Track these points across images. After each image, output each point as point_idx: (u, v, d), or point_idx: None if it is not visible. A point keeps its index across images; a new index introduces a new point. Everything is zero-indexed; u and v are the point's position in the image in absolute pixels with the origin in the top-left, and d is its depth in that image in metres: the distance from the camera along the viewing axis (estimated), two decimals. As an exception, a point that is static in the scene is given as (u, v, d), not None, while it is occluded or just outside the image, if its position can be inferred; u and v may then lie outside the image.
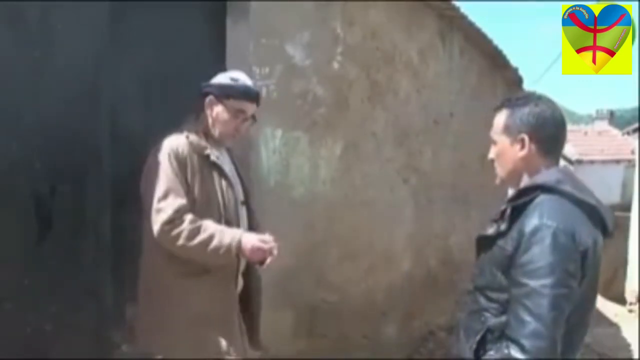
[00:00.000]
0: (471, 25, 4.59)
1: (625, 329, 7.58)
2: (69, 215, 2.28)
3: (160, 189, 1.88)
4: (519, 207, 1.51)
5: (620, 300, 9.73)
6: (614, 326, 7.90)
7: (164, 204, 1.86)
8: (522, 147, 1.55)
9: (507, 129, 1.58)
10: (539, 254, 1.40)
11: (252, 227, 2.12)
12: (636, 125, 15.59)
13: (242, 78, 2.07)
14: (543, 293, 1.39)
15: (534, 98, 1.58)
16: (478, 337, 1.53)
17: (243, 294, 2.10)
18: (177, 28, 2.60)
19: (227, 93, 2.01)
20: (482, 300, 1.57)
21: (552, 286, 1.39)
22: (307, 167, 3.16)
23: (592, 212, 1.50)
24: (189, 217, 1.86)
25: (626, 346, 6.68)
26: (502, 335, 1.47)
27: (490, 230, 1.57)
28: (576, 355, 1.55)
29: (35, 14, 2.13)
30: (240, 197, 2.10)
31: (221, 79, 2.06)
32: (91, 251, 2.36)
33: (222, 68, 2.50)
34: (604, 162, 15.63)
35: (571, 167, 15.21)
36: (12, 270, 2.13)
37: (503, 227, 1.53)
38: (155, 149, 1.95)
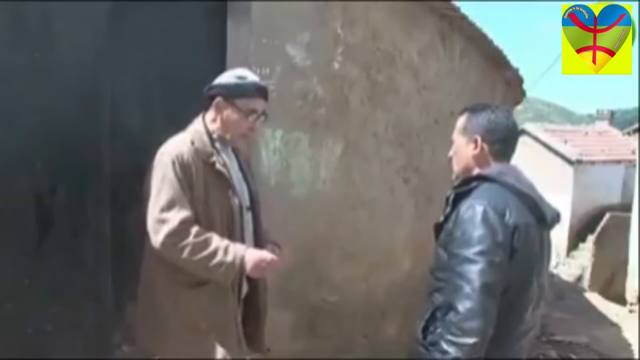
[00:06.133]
0: (472, 25, 4.58)
1: (625, 329, 7.58)
2: (69, 215, 2.29)
3: (163, 198, 1.82)
4: (462, 193, 1.68)
5: (621, 300, 9.73)
6: (615, 326, 7.90)
7: (169, 214, 1.81)
8: (475, 146, 1.73)
9: (465, 130, 1.77)
10: (471, 227, 1.56)
11: (257, 233, 2.09)
12: (636, 125, 15.60)
13: (248, 75, 1.99)
14: (473, 260, 1.53)
15: (492, 106, 1.77)
16: (427, 315, 1.65)
17: (248, 297, 2.08)
18: (177, 28, 2.60)
19: (236, 93, 1.93)
20: (433, 282, 1.71)
21: (482, 253, 1.53)
22: (308, 167, 3.16)
23: (530, 203, 1.64)
24: (194, 230, 1.82)
25: (626, 346, 6.68)
26: (448, 311, 1.59)
27: (441, 217, 1.75)
28: (511, 335, 1.66)
29: (35, 13, 2.14)
30: (246, 202, 2.05)
31: (227, 78, 1.97)
32: (91, 251, 2.36)
33: (222, 68, 2.50)
34: (604, 162, 15.60)
35: (571, 168, 15.20)
36: (13, 270, 2.14)
37: (447, 210, 1.71)
38: (159, 152, 1.90)
